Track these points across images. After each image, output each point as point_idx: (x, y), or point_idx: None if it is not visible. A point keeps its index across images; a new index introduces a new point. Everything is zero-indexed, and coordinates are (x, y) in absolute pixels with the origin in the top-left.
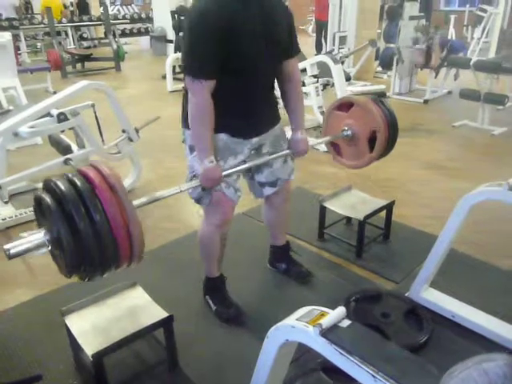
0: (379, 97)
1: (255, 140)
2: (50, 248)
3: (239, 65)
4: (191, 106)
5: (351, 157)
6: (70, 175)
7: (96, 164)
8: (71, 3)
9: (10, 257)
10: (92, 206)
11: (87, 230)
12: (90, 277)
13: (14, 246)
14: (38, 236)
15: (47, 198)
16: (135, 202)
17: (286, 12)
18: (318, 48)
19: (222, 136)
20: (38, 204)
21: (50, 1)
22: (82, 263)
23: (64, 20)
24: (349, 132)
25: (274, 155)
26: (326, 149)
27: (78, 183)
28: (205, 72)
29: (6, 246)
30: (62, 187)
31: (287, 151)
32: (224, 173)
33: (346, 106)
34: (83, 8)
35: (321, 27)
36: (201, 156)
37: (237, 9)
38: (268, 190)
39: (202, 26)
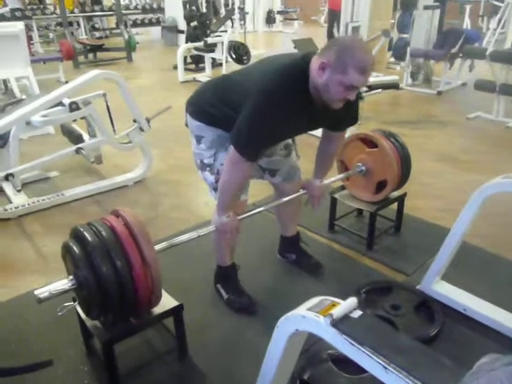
0: (394, 88)
1: None
2: (76, 293)
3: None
4: (231, 176)
5: (356, 186)
6: (96, 225)
7: (121, 213)
8: None
9: (40, 301)
10: (116, 256)
11: (111, 279)
12: (110, 321)
13: (43, 292)
14: (65, 282)
15: (75, 247)
16: (156, 247)
17: (351, 105)
18: (330, 38)
19: (220, 132)
20: (67, 251)
21: None
22: (104, 308)
23: (76, 10)
24: (362, 168)
25: (288, 198)
26: None
27: (104, 234)
28: (258, 157)
29: (36, 292)
30: (89, 238)
31: (303, 191)
32: (240, 217)
33: (370, 141)
34: None
35: (333, 17)
36: (219, 212)
37: (300, 109)
38: (268, 177)
39: (269, 119)
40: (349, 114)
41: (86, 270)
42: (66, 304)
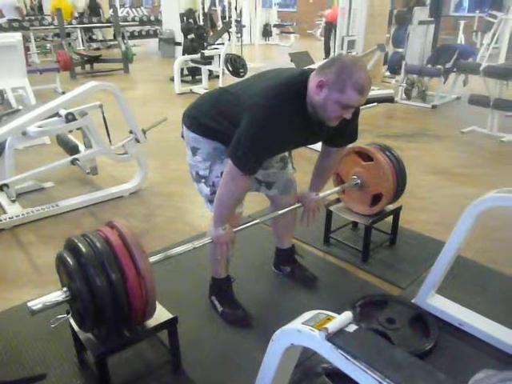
0: (389, 101)
1: None
2: (69, 305)
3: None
4: (229, 190)
5: (351, 199)
6: (91, 236)
7: (116, 224)
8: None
9: (33, 313)
10: (110, 268)
11: (105, 291)
12: (103, 335)
13: (36, 304)
14: (59, 294)
15: (69, 259)
16: (151, 259)
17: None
18: (326, 51)
19: (216, 144)
20: (61, 262)
21: (60, 2)
22: (98, 321)
23: (74, 22)
24: (358, 181)
25: (283, 210)
26: None
27: (99, 245)
28: (256, 171)
29: (29, 304)
30: (84, 249)
31: (298, 204)
32: (236, 229)
33: (365, 155)
34: (94, 10)
35: (330, 30)
36: (215, 224)
37: (298, 124)
38: (264, 190)
39: (268, 133)
40: (348, 131)
41: (79, 281)
42: (60, 316)
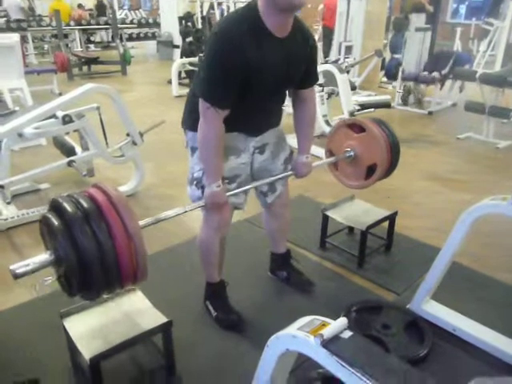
0: (386, 107)
1: (259, 137)
2: (55, 268)
3: (252, 99)
4: (203, 131)
5: (346, 174)
6: (76, 196)
7: (101, 185)
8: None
9: (16, 277)
10: (97, 227)
11: (92, 251)
12: (93, 297)
13: (19, 267)
14: (44, 257)
15: (54, 219)
16: (141, 223)
17: (311, 48)
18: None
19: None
20: (45, 224)
21: (59, 4)
22: (86, 283)
23: (72, 23)
24: (351, 153)
25: (277, 177)
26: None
27: (85, 205)
28: (223, 102)
29: (12, 267)
30: (69, 208)
31: (290, 172)
32: (229, 193)
33: (358, 127)
34: (101, 10)
35: (326, 34)
36: (209, 180)
37: (258, 45)
38: (271, 198)
39: (225, 60)
40: (312, 70)
41: (65, 240)
42: (46, 278)
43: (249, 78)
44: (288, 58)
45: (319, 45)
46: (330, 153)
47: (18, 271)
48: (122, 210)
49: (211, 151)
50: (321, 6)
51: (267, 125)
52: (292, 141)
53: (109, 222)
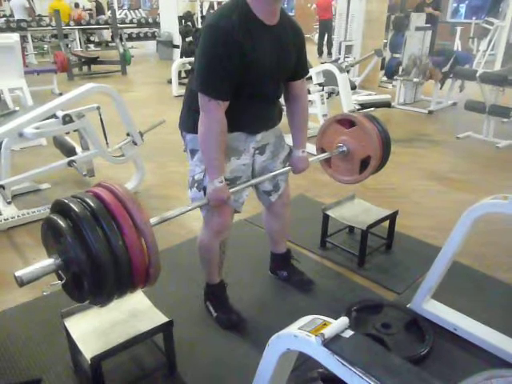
0: (386, 106)
1: (259, 137)
2: (61, 275)
3: (249, 90)
4: (204, 125)
5: (339, 171)
6: (80, 196)
7: (106, 183)
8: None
9: (22, 284)
10: (107, 224)
11: (104, 249)
12: (103, 300)
13: (25, 274)
14: (49, 261)
15: (60, 221)
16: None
17: (299, 37)
18: (320, 51)
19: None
20: (50, 227)
21: (58, 4)
22: (97, 284)
23: (72, 23)
24: (344, 149)
25: (276, 172)
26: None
27: (92, 204)
28: (223, 93)
29: (17, 274)
30: (76, 208)
31: (288, 168)
32: (231, 190)
33: (348, 122)
34: (100, 10)
35: (324, 27)
36: (211, 175)
37: (250, 34)
38: (274, 196)
39: (220, 51)
40: (302, 61)
41: (74, 241)
42: (53, 283)
43: (244, 67)
44: (279, 45)
45: (315, 38)
46: (321, 150)
47: (24, 278)
48: (128, 204)
49: (214, 145)
50: (313, 6)
51: (266, 121)
52: (288, 140)
53: (118, 219)
